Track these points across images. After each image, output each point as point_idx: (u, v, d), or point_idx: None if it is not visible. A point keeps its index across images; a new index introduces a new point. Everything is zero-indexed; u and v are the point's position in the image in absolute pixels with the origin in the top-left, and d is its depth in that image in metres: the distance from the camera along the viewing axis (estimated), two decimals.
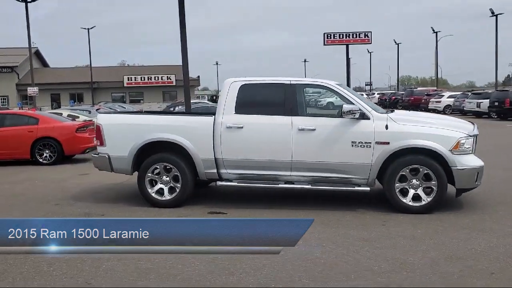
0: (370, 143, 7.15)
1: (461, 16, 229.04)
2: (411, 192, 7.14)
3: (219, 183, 7.65)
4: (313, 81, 8.05)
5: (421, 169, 7.08)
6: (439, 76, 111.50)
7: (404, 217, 6.87)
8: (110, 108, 27.72)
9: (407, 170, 7.11)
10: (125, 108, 32.53)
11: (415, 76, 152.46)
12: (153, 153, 7.82)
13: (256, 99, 7.73)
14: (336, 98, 8.11)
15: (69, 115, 19.56)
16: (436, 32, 57.17)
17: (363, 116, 7.22)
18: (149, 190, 7.78)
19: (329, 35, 53.62)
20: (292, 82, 7.64)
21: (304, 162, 7.36)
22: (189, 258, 5.26)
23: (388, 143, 7.11)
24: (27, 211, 7.69)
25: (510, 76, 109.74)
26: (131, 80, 53.36)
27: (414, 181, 7.13)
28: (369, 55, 79.31)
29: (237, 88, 7.65)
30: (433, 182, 7.05)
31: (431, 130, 7.17)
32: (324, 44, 53.94)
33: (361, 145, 7.18)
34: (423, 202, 7.09)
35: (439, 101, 34.34)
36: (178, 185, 7.70)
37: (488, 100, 28.74)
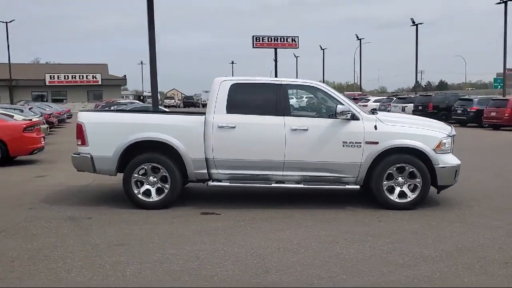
0: (360, 143, 7.41)
1: (373, 25, 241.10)
2: (397, 189, 7.49)
3: (210, 183, 7.56)
4: (303, 82, 8.19)
5: (406, 167, 7.45)
6: (355, 81, 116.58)
7: (394, 213, 7.19)
8: (39, 108, 26.23)
9: (394, 169, 7.46)
10: (52, 107, 30.92)
11: (332, 81, 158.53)
12: (137, 153, 7.58)
13: (247, 99, 7.73)
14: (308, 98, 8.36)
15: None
16: (360, 39, 59.86)
17: (353, 117, 7.47)
18: (135, 191, 7.53)
19: (257, 38, 54.43)
20: (283, 83, 7.73)
21: (296, 161, 7.47)
22: (215, 259, 5.19)
23: (377, 142, 7.41)
24: (4, 218, 7.14)
25: (419, 83, 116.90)
26: (54, 78, 50.84)
27: (399, 179, 7.49)
28: (296, 60, 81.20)
29: (228, 88, 7.62)
30: (418, 180, 7.44)
31: (416, 130, 7.57)
32: (253, 47, 54.70)
33: (351, 145, 7.43)
34: (408, 199, 7.47)
35: (366, 105, 35.90)
36: (167, 185, 7.51)
37: (413, 104, 30.61)
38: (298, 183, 7.56)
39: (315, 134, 7.47)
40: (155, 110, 12.10)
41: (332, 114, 7.53)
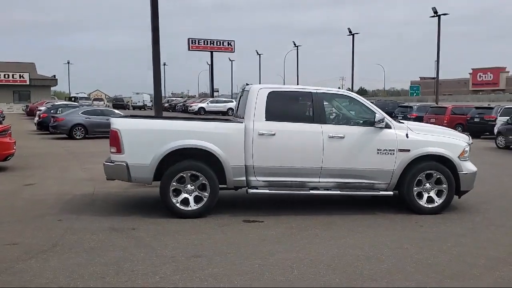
0: (393, 150, 7.74)
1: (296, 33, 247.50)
2: (425, 195, 7.89)
3: (250, 190, 7.53)
4: (337, 91, 8.39)
5: (434, 174, 7.87)
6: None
7: (425, 217, 7.56)
8: None
9: (423, 175, 7.85)
10: None
11: None
12: (173, 161, 7.38)
13: (285, 107, 7.79)
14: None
15: None
16: (297, 46, 61.30)
17: (387, 126, 7.78)
18: (174, 200, 7.33)
19: (193, 41, 54.09)
20: (318, 91, 7.88)
21: (333, 168, 7.64)
22: (309, 268, 5.23)
23: (409, 150, 7.77)
24: (38, 231, 6.66)
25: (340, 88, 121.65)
26: None
27: (427, 185, 7.89)
28: (231, 63, 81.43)
29: (265, 95, 7.64)
30: (444, 186, 7.89)
31: (443, 139, 8.03)
32: (189, 49, 54.24)
33: (386, 152, 7.73)
34: (436, 204, 7.89)
35: None
36: (206, 194, 7.39)
37: None
38: (332, 190, 7.74)
39: (351, 142, 7.69)
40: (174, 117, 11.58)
41: (366, 122, 7.80)
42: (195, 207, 7.38)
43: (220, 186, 7.53)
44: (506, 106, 23.97)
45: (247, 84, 8.41)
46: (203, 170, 7.37)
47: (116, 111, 24.95)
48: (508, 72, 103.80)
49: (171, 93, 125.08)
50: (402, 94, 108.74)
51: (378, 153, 7.73)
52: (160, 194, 7.38)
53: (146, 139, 7.34)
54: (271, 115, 7.59)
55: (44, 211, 7.76)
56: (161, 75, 10.66)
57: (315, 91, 7.90)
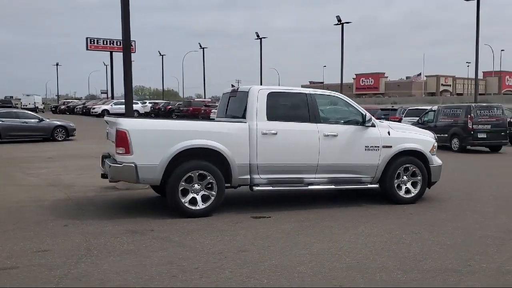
0: (378, 147, 8.47)
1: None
2: (403, 186, 8.73)
3: (256, 188, 7.79)
4: (329, 93, 8.92)
5: (410, 167, 8.73)
6: (173, 89, 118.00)
7: (407, 207, 8.37)
8: None
9: (402, 169, 8.68)
10: None
11: (148, 86, 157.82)
12: (180, 162, 7.40)
13: (283, 107, 8.17)
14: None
15: None
16: (203, 48, 61.29)
17: (372, 124, 8.50)
18: (182, 200, 7.37)
19: (92, 40, 51.91)
20: (311, 92, 8.37)
21: (327, 164, 8.17)
22: (362, 254, 5.67)
23: (391, 146, 8.55)
24: (56, 238, 6.35)
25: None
26: None
27: (404, 177, 8.74)
28: (131, 64, 78.70)
29: (265, 96, 7.95)
30: (419, 178, 8.78)
31: (417, 136, 8.95)
32: (87, 49, 51.95)
33: (372, 149, 8.43)
34: (412, 194, 8.75)
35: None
36: (213, 193, 7.52)
37: None
38: (325, 185, 8.27)
39: (343, 140, 8.28)
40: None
41: (356, 121, 8.44)
42: (203, 206, 7.47)
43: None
44: (410, 108, 26.39)
45: (232, 86, 8.65)
46: (210, 170, 7.49)
47: (34, 113, 23.42)
48: (387, 77, 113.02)
49: (55, 95, 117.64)
50: None
51: (365, 149, 8.41)
52: (168, 195, 7.37)
53: (155, 140, 7.29)
54: (271, 115, 7.91)
55: (39, 217, 7.35)
56: (132, 83, 10.42)
57: (309, 92, 8.38)
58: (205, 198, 7.51)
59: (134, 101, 52.17)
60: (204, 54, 61.61)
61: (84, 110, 49.38)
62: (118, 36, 10.94)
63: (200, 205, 7.46)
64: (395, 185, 8.62)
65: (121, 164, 7.17)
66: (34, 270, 5.02)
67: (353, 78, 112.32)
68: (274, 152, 7.84)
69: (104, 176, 8.16)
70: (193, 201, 7.44)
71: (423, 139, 8.95)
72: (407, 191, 8.73)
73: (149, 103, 54.22)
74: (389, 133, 8.60)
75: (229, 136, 7.64)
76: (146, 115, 47.83)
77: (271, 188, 7.91)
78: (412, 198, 8.72)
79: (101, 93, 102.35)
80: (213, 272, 5.04)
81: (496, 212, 8.04)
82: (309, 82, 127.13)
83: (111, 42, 52.19)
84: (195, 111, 40.77)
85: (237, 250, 5.79)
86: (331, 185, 8.30)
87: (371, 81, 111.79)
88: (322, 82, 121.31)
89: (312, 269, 5.15)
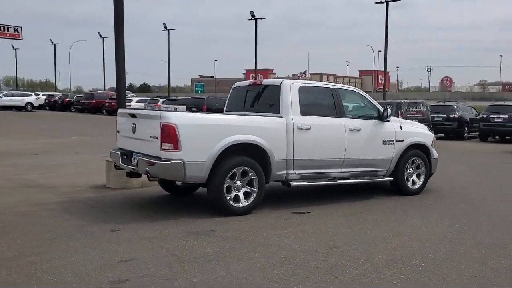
0: (393, 141, 8.78)
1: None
2: (410, 178, 9.16)
3: (293, 183, 7.65)
4: (350, 88, 8.96)
5: (416, 160, 9.19)
6: (50, 80, 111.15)
7: (418, 197, 8.82)
8: None
9: (410, 162, 9.10)
10: None
11: (22, 77, 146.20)
12: (227, 157, 7.02)
13: (313, 101, 8.09)
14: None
15: None
16: (103, 38, 57.76)
17: (387, 119, 8.78)
18: (227, 198, 7.02)
19: None
20: (335, 87, 8.42)
21: (352, 159, 8.29)
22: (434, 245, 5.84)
23: (403, 140, 8.91)
24: (123, 244, 5.68)
25: (132, 84, 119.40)
26: None
27: (411, 170, 9.17)
28: (15, 51, 72.05)
29: (297, 90, 7.83)
30: (422, 170, 9.28)
31: (421, 130, 9.44)
32: None
33: (388, 143, 8.72)
34: (418, 185, 9.22)
35: (129, 105, 35.75)
36: (255, 189, 7.26)
37: (185, 105, 32.42)
38: (355, 178, 8.40)
39: (365, 134, 8.45)
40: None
41: (375, 116, 8.65)
42: (246, 204, 7.18)
43: None
44: None
45: (244, 79, 8.40)
46: (253, 166, 7.21)
47: None
48: (275, 73, 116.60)
49: None
50: (186, 91, 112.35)
51: (383, 143, 8.67)
52: (211, 192, 6.99)
53: (203, 135, 6.82)
54: (304, 110, 7.80)
55: (69, 223, 6.53)
56: (125, 71, 9.52)
57: (334, 86, 8.41)
58: (246, 195, 7.22)
59: (24, 92, 47.99)
60: (104, 44, 58.65)
61: None
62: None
63: (243, 203, 7.16)
64: (404, 177, 9.01)
65: (169, 161, 6.60)
66: (150, 282, 4.47)
67: (243, 74, 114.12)
68: (308, 147, 7.75)
69: (131, 174, 7.49)
70: (236, 199, 7.12)
71: (426, 133, 9.46)
72: (413, 182, 9.17)
73: (43, 95, 50.04)
74: (401, 127, 8.95)
75: (270, 131, 7.41)
76: (40, 108, 44.26)
77: (306, 183, 7.83)
78: (418, 189, 9.17)
79: None
80: (339, 270, 4.87)
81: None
82: (199, 75, 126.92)
83: None
84: (98, 104, 38.58)
85: (327, 246, 5.67)
86: (355, 179, 8.44)
87: (260, 77, 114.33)
88: (213, 76, 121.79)
89: (425, 261, 5.22)
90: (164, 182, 8.00)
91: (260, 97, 8.29)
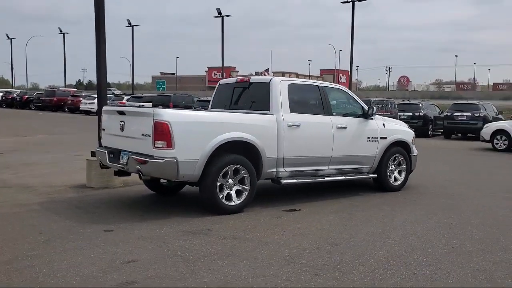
0: (377, 138, 8.91)
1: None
2: (392, 175, 9.32)
3: (284, 181, 7.63)
4: (336, 86, 8.99)
5: (397, 157, 9.36)
6: (3, 76, 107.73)
7: (401, 193, 8.99)
8: None
9: (392, 158, 9.26)
10: None
11: None
12: (219, 155, 6.93)
13: (301, 99, 8.10)
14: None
15: None
16: (64, 33, 55.94)
17: (371, 117, 8.89)
18: (220, 196, 6.94)
19: None
20: (322, 85, 8.45)
21: (339, 156, 8.36)
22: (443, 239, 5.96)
23: (386, 138, 9.06)
24: (127, 245, 5.51)
25: (81, 81, 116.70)
26: None
27: (393, 166, 9.33)
28: None
29: (286, 87, 7.82)
30: (403, 166, 9.46)
31: (403, 128, 9.61)
32: None
33: (372, 140, 8.84)
34: (399, 182, 9.39)
35: (92, 103, 34.91)
36: (246, 187, 7.21)
37: (151, 103, 31.90)
38: (341, 175, 8.47)
39: (351, 131, 8.53)
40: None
41: (359, 113, 8.74)
42: (238, 202, 7.13)
43: None
44: None
45: (231, 77, 8.35)
46: (245, 164, 7.16)
47: None
48: (238, 71, 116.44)
49: None
50: (146, 88, 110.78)
51: (367, 140, 8.78)
52: (204, 191, 6.89)
53: (196, 133, 6.71)
54: (293, 108, 7.81)
55: (58, 224, 6.29)
56: (106, 67, 9.23)
57: (320, 84, 8.45)
58: (238, 194, 7.17)
59: None
60: (65, 40, 56.91)
61: None
62: None
63: (235, 201, 7.10)
64: (387, 174, 9.16)
65: (162, 159, 6.46)
66: (159, 283, 4.36)
67: (206, 71, 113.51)
68: (298, 144, 7.76)
69: (120, 173, 7.29)
70: (228, 197, 7.05)
71: (407, 131, 9.64)
72: (395, 179, 9.33)
73: (0, 92, 48.08)
74: (384, 125, 9.09)
75: (262, 129, 7.37)
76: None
77: (296, 181, 7.84)
78: (400, 185, 9.34)
79: None
80: (346, 267, 4.88)
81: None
82: (160, 73, 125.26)
83: None
84: (60, 101, 37.47)
85: (327, 243, 5.69)
86: (342, 176, 8.51)
87: (223, 75, 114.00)
88: (174, 74, 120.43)
89: (426, 256, 5.31)
90: (149, 181, 7.83)
91: (247, 94, 8.23)
